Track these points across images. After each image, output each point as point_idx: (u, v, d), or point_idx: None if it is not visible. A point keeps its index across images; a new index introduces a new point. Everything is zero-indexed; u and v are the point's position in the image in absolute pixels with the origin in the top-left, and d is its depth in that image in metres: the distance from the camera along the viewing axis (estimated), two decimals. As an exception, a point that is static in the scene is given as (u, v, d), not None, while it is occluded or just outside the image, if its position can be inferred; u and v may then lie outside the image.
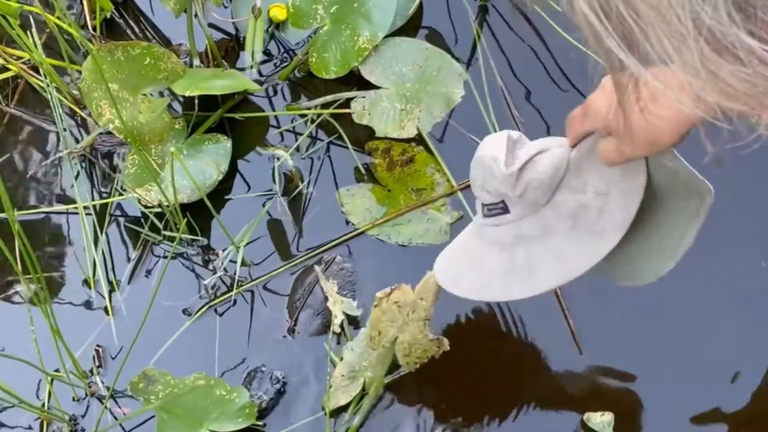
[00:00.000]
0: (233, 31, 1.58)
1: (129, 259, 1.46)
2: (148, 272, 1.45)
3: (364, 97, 1.47)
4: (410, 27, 1.52)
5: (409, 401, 1.32)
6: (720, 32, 0.50)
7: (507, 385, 1.33)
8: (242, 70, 1.55)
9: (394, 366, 1.31)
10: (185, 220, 1.41)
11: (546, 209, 1.03)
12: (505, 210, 1.05)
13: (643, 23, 0.52)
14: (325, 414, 1.29)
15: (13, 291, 1.46)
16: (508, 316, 1.36)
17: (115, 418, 1.35)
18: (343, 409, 1.31)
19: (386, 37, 1.48)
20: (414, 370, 1.31)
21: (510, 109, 1.47)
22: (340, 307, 1.36)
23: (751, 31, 0.50)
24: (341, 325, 1.34)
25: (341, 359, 1.29)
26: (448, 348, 1.27)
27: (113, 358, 1.39)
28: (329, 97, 1.50)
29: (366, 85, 1.49)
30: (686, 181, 1.02)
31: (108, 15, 1.58)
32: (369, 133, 1.48)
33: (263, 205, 1.46)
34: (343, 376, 1.29)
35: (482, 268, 1.10)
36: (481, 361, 1.34)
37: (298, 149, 1.50)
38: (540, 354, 1.34)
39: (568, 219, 1.02)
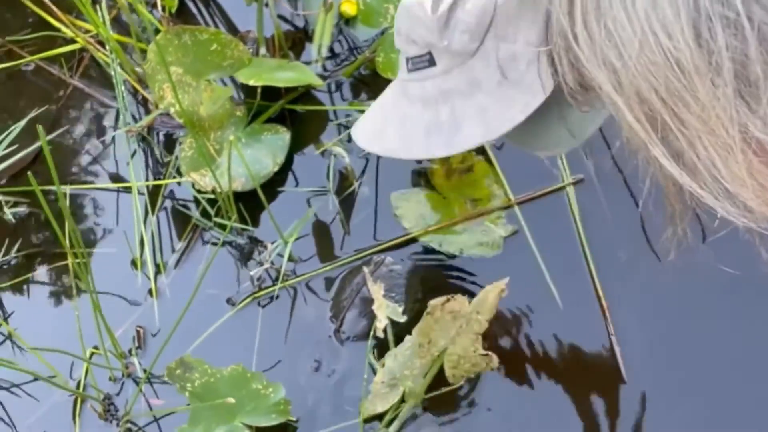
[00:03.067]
0: (302, 24, 1.57)
1: (177, 243, 1.45)
2: (195, 258, 1.44)
3: (428, 101, 1.45)
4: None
5: (447, 417, 1.30)
6: None
7: (547, 410, 1.30)
8: (307, 63, 1.53)
9: (437, 380, 1.28)
10: (237, 209, 1.40)
11: (474, 60, 0.96)
12: (431, 62, 0.97)
13: (690, 134, 0.52)
14: (360, 419, 1.27)
15: (59, 264, 1.45)
16: (560, 339, 1.33)
17: (149, 404, 1.34)
18: (379, 416, 1.29)
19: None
20: (458, 384, 1.28)
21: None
22: (384, 311, 1.33)
23: None
24: (384, 330, 1.32)
25: (383, 366, 1.27)
26: (497, 365, 1.25)
27: (153, 336, 1.38)
28: (392, 98, 1.47)
29: (431, 89, 1.46)
30: None
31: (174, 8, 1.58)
32: (429, 137, 1.46)
33: (315, 201, 1.45)
34: (383, 382, 1.26)
35: (404, 125, 1.03)
36: (524, 383, 1.31)
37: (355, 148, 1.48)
38: (584, 379, 1.31)
39: (496, 71, 0.95)
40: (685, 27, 0.49)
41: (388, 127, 1.05)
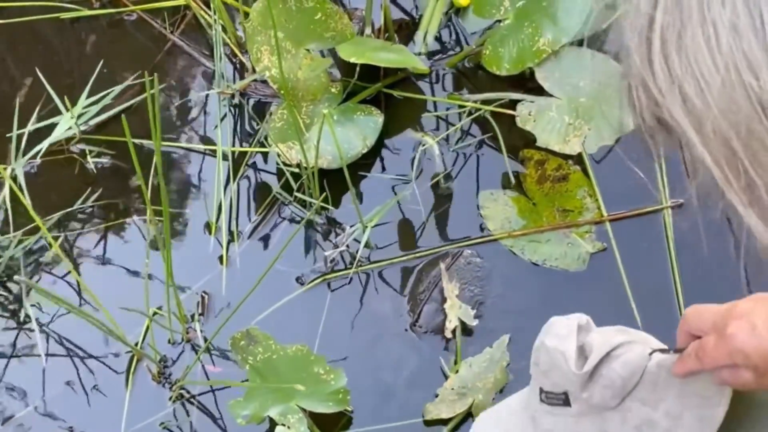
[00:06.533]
0: (411, 8, 1.53)
1: (254, 214, 1.42)
2: (270, 231, 1.40)
3: (532, 101, 1.40)
4: (597, 40, 1.43)
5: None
6: None
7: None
8: (411, 51, 1.49)
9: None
10: (319, 187, 1.36)
11: (612, 413, 0.94)
12: (566, 403, 0.95)
13: None
14: (422, 420, 1.22)
15: (134, 219, 1.43)
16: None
17: (205, 371, 1.31)
18: (442, 422, 1.23)
19: (570, 44, 1.39)
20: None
21: (682, 151, 1.37)
22: (456, 312, 1.28)
23: None
24: (453, 332, 1.27)
25: (456, 372, 1.21)
26: None
27: (216, 316, 1.35)
28: (494, 95, 1.42)
29: (534, 90, 1.41)
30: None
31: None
32: (525, 140, 1.40)
33: (399, 190, 1.41)
34: (453, 389, 1.21)
35: None
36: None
37: (447, 140, 1.43)
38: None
39: (631, 429, 0.94)
40: None
41: None
